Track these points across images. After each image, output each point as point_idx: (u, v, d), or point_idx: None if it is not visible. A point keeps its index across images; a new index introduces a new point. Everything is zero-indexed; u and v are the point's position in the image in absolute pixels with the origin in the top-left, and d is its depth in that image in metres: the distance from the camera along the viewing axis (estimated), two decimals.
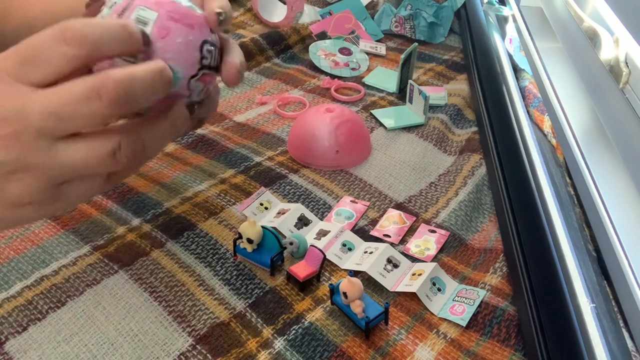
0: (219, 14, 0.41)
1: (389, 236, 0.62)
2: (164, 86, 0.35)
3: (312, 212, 0.65)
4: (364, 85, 0.93)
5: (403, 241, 0.62)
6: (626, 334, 0.51)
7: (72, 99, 0.32)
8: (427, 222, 0.64)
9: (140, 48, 0.36)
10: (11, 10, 0.61)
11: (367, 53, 1.02)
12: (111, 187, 0.41)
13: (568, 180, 0.71)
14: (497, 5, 1.16)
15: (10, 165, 0.33)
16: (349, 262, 0.58)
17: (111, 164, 0.35)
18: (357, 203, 0.66)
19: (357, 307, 0.50)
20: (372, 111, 0.85)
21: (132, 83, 0.33)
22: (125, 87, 0.33)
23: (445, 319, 0.52)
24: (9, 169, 0.34)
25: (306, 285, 0.55)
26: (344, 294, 0.50)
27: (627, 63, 0.67)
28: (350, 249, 0.59)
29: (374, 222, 0.64)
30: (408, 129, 0.81)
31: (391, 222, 0.64)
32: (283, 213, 0.63)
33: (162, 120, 0.38)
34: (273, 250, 0.56)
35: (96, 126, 0.34)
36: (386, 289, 0.55)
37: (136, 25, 0.36)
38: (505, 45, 1.01)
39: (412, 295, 0.54)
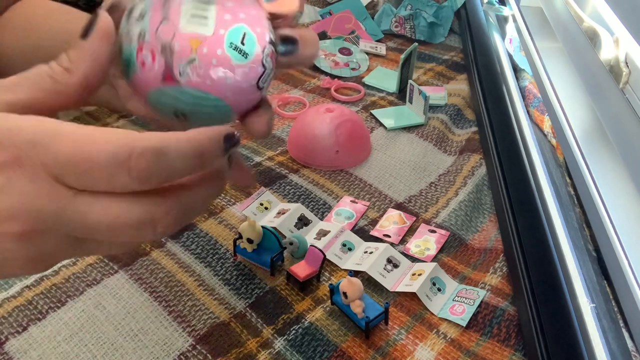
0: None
1: (389, 236, 0.62)
2: (211, 158, 0.29)
3: (312, 212, 0.65)
4: (364, 85, 0.93)
5: (403, 241, 0.62)
6: (626, 334, 0.51)
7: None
8: (427, 222, 0.64)
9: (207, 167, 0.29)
10: (31, 23, 0.60)
11: (367, 53, 1.02)
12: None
13: (568, 180, 0.71)
14: (497, 5, 1.16)
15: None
16: (349, 262, 0.58)
17: (145, 236, 0.28)
18: (357, 203, 0.66)
19: (357, 307, 0.50)
20: (372, 111, 0.85)
21: (167, 157, 0.27)
22: (157, 163, 0.27)
23: (445, 319, 0.52)
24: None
25: (306, 285, 0.55)
26: (344, 294, 0.50)
27: (627, 63, 0.67)
28: (350, 249, 0.59)
29: (374, 222, 0.64)
30: (408, 129, 0.81)
31: (391, 222, 0.64)
32: (283, 213, 0.63)
33: (208, 181, 0.31)
34: (273, 250, 0.56)
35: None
36: (386, 289, 0.55)
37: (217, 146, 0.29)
38: (505, 45, 1.01)
39: (412, 295, 0.54)
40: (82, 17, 0.56)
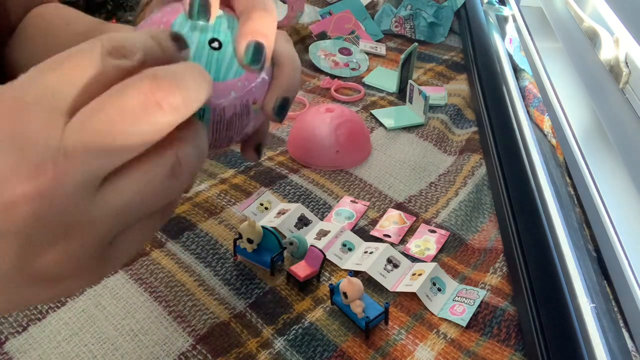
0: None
1: (389, 236, 0.62)
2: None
3: (312, 212, 0.65)
4: (364, 85, 0.93)
5: (403, 241, 0.62)
6: (626, 334, 0.51)
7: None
8: (427, 222, 0.64)
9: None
10: (47, 31, 0.59)
11: (367, 53, 1.02)
12: (164, 223, 0.30)
13: (568, 180, 0.71)
14: (497, 5, 1.16)
15: (41, 234, 0.23)
16: (349, 262, 0.58)
17: (172, 186, 0.26)
18: (357, 203, 0.66)
19: (357, 307, 0.50)
20: (372, 111, 0.85)
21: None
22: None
23: (445, 319, 0.52)
24: (39, 239, 0.23)
25: (306, 285, 0.55)
26: (344, 294, 0.50)
27: (627, 63, 0.67)
28: (350, 249, 0.59)
29: (374, 222, 0.64)
30: (408, 129, 0.81)
31: (391, 222, 0.64)
32: (283, 213, 0.63)
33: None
34: (273, 250, 0.56)
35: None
36: (386, 289, 0.55)
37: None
38: (505, 45, 1.01)
39: (412, 295, 0.54)
40: (88, 23, 0.56)
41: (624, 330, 0.52)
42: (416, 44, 0.92)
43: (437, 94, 0.89)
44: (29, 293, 0.26)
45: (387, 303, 0.51)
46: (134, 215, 0.26)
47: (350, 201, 0.67)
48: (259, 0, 0.30)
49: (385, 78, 0.94)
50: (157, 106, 0.24)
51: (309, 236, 0.61)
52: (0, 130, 0.22)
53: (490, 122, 0.77)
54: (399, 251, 0.59)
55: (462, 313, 0.52)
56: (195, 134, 0.27)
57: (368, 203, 0.67)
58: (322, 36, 1.04)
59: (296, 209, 0.64)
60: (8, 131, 0.22)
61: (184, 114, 0.25)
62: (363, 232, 0.63)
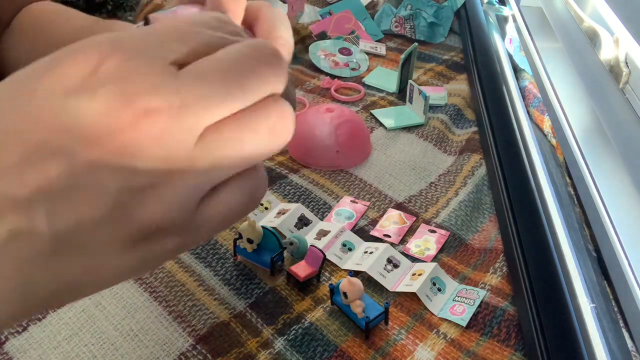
0: None
1: (389, 236, 0.62)
2: None
3: (312, 212, 0.65)
4: (364, 85, 0.93)
5: (403, 241, 0.62)
6: (626, 334, 0.51)
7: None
8: (427, 222, 0.64)
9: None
10: (39, 28, 0.59)
11: (367, 53, 1.02)
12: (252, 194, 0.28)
13: (568, 180, 0.71)
14: (497, 5, 1.16)
15: (144, 175, 0.23)
16: (349, 262, 0.58)
17: (271, 142, 0.26)
18: (357, 203, 0.66)
19: (357, 307, 0.50)
20: (372, 111, 0.85)
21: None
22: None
23: (445, 319, 0.52)
24: (141, 181, 0.23)
25: (306, 285, 0.55)
26: (344, 294, 0.50)
27: (627, 63, 0.67)
28: (350, 249, 0.59)
29: (374, 222, 0.64)
30: (408, 129, 0.81)
31: (391, 222, 0.64)
32: (283, 213, 0.63)
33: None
34: (273, 250, 0.56)
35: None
36: (386, 289, 0.55)
37: None
38: (505, 45, 1.01)
39: (412, 295, 0.54)
40: (87, 18, 0.56)
41: (624, 330, 0.52)
42: (416, 44, 0.92)
43: (437, 94, 0.89)
44: (125, 261, 0.25)
45: (387, 303, 0.51)
46: (231, 169, 0.26)
47: (350, 201, 0.67)
48: (281, 35, 0.32)
49: (385, 78, 0.94)
50: (266, 63, 0.25)
51: (309, 236, 0.61)
52: (112, 72, 0.23)
53: (490, 122, 0.77)
54: (399, 251, 0.59)
55: (462, 313, 0.52)
56: (290, 103, 0.27)
57: (368, 203, 0.67)
58: (322, 36, 1.04)
59: (296, 209, 0.64)
60: (121, 73, 0.23)
61: (285, 77, 0.26)
62: (363, 232, 0.63)
